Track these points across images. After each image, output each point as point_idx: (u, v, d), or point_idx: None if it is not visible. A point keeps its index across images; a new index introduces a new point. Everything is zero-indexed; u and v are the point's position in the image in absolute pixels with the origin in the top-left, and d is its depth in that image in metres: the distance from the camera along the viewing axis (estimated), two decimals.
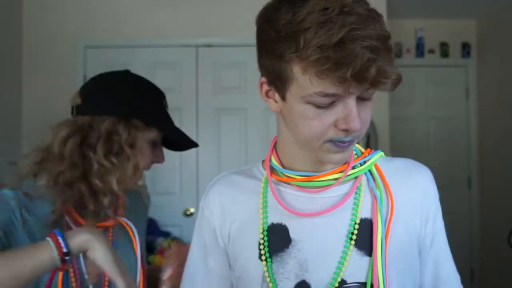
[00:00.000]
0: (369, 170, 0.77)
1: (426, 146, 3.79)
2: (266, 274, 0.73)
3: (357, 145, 0.78)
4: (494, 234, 3.46)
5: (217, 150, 3.03)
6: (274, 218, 0.76)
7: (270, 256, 0.74)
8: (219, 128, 3.02)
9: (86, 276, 0.92)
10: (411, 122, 3.80)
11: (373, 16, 0.62)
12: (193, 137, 1.06)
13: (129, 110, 0.95)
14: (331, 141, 0.67)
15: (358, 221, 0.72)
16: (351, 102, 0.63)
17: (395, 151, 3.32)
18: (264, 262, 0.74)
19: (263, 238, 0.75)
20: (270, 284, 0.73)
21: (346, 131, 0.65)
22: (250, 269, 0.76)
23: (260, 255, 0.75)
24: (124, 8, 3.02)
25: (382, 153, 0.80)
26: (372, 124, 3.04)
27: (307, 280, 0.72)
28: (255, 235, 0.77)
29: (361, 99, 0.65)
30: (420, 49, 3.73)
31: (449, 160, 3.75)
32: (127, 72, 1.03)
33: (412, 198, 0.76)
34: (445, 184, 3.54)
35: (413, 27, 3.74)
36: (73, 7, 3.00)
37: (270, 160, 0.80)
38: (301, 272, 0.73)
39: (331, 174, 0.74)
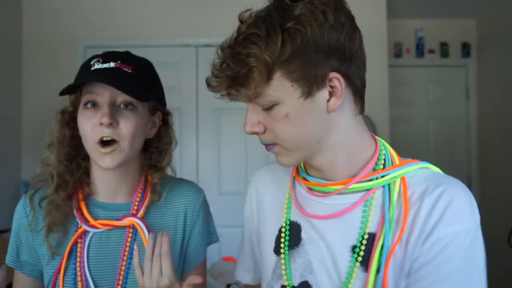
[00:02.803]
0: (389, 185, 0.72)
1: (426, 146, 3.79)
2: (283, 267, 0.77)
3: (394, 155, 0.76)
4: (494, 234, 3.46)
5: (217, 150, 3.03)
6: (293, 215, 0.80)
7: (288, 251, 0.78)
8: (219, 128, 3.02)
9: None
10: (411, 122, 3.80)
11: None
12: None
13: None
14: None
15: (366, 236, 0.70)
16: (247, 107, 0.71)
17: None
18: (283, 255, 0.78)
19: (284, 233, 0.79)
20: (285, 277, 0.76)
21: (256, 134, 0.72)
22: (266, 259, 0.82)
23: (276, 248, 0.80)
24: (124, 8, 3.02)
25: (424, 166, 0.74)
26: (372, 124, 3.04)
27: (309, 281, 0.74)
28: (274, 228, 0.82)
29: (266, 109, 0.69)
30: (420, 49, 3.73)
31: (449, 160, 3.75)
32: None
33: (417, 216, 0.68)
34: None
35: (413, 27, 3.74)
36: (73, 7, 3.01)
37: None
38: (306, 273, 0.75)
39: (336, 185, 0.74)
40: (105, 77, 0.87)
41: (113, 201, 0.96)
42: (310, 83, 0.66)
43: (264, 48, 0.63)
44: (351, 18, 0.69)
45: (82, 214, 0.93)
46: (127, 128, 0.88)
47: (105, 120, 0.85)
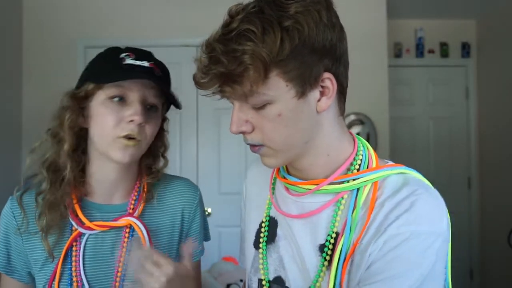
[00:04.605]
0: (358, 189, 0.71)
1: (426, 146, 3.79)
2: (261, 261, 0.79)
3: (373, 158, 0.74)
4: (494, 234, 3.46)
5: (217, 150, 3.03)
6: (272, 211, 0.81)
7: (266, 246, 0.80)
8: (219, 128, 3.02)
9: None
10: (411, 122, 3.80)
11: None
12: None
13: (80, 79, 0.90)
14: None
15: (333, 235, 0.70)
16: (234, 105, 0.69)
17: (395, 151, 3.32)
18: (261, 250, 0.79)
19: (264, 228, 0.80)
20: (262, 272, 0.78)
21: (242, 134, 0.70)
22: (247, 252, 0.85)
23: (255, 242, 0.82)
24: (124, 8, 3.02)
25: (400, 171, 0.72)
26: (372, 124, 3.04)
27: (282, 276, 0.76)
28: (256, 222, 0.84)
29: (257, 109, 0.67)
30: (420, 49, 3.73)
31: (449, 160, 3.76)
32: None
33: (377, 215, 0.67)
34: (445, 184, 3.55)
35: (413, 27, 3.74)
36: (73, 7, 3.01)
37: None
38: (279, 268, 0.77)
39: (309, 185, 0.74)
40: (147, 75, 0.85)
41: (109, 202, 0.93)
42: (304, 83, 0.65)
43: (261, 45, 0.61)
44: (338, 19, 0.69)
45: (76, 215, 0.89)
46: (150, 129, 0.88)
47: (139, 119, 0.83)
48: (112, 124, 0.84)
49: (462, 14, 3.64)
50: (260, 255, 0.79)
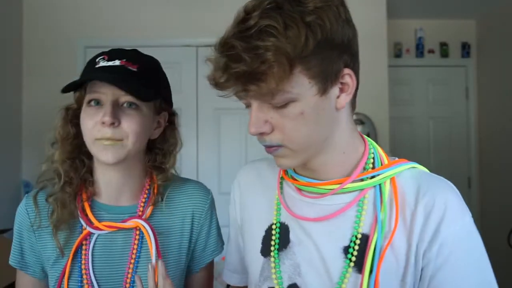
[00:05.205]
0: (380, 185, 0.71)
1: (426, 146, 3.79)
2: (273, 270, 0.75)
3: (382, 155, 0.75)
4: (494, 234, 3.46)
5: (217, 150, 3.03)
6: (281, 216, 0.78)
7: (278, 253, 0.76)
8: (219, 128, 3.02)
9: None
10: (411, 122, 3.80)
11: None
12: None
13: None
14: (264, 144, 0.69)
15: (358, 237, 0.69)
16: (252, 106, 0.66)
17: (395, 151, 3.32)
18: (273, 259, 0.76)
19: (274, 235, 0.77)
20: (276, 281, 0.74)
21: (260, 135, 0.67)
22: (252, 260, 0.80)
23: (264, 249, 0.78)
24: (124, 8, 3.02)
25: (412, 166, 0.74)
26: (372, 124, 3.05)
27: (298, 284, 0.73)
28: (261, 229, 0.79)
29: (277, 108, 0.64)
30: (420, 49, 3.73)
31: (449, 160, 3.76)
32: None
33: (415, 221, 0.68)
34: None
35: (413, 27, 3.74)
36: (73, 7, 3.01)
37: None
38: (294, 275, 0.74)
39: (331, 185, 0.72)
40: (108, 75, 0.85)
41: (116, 204, 0.94)
42: (326, 80, 0.64)
43: (285, 41, 0.58)
44: (350, 15, 0.69)
45: (86, 215, 0.91)
46: (130, 127, 0.86)
47: (107, 119, 0.83)
48: (90, 127, 0.86)
49: (462, 14, 3.64)
50: (272, 264, 0.75)
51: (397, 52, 3.71)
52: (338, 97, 0.67)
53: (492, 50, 3.58)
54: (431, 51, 3.76)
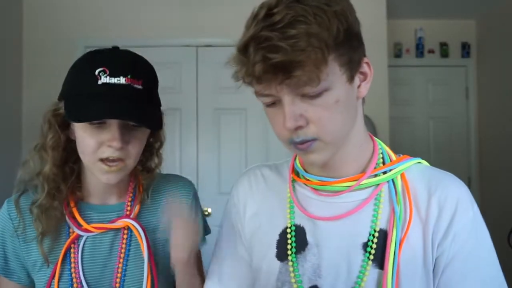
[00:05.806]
0: (393, 180, 0.73)
1: (426, 146, 3.79)
2: (292, 274, 0.74)
3: (389, 151, 0.77)
4: (494, 234, 3.45)
5: (217, 150, 3.02)
6: (297, 219, 0.77)
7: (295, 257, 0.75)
8: (219, 128, 3.02)
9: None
10: (411, 122, 3.80)
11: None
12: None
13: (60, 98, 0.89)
14: (292, 143, 0.67)
15: (376, 233, 0.70)
16: (284, 100, 0.63)
17: (394, 151, 3.31)
18: (291, 263, 0.74)
19: (290, 239, 0.76)
20: (295, 285, 0.73)
21: (294, 130, 0.65)
22: (265, 266, 0.78)
23: (279, 254, 0.76)
24: (124, 8, 3.02)
25: (418, 161, 0.78)
26: (372, 124, 3.04)
27: (319, 285, 0.72)
28: (275, 234, 0.78)
29: (308, 98, 0.63)
30: (420, 49, 3.74)
31: (449, 160, 3.75)
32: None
33: (429, 213, 0.71)
34: None
35: (413, 27, 3.74)
36: (73, 7, 3.00)
37: (294, 161, 0.81)
38: (314, 277, 0.73)
39: (348, 181, 0.73)
40: (117, 106, 0.80)
41: (104, 203, 0.94)
42: (353, 68, 0.66)
43: (319, 29, 0.59)
44: None
45: (74, 218, 0.90)
46: (135, 148, 0.85)
47: (117, 144, 0.81)
48: (92, 148, 0.83)
49: (462, 14, 3.64)
50: (291, 268, 0.74)
51: (397, 52, 3.71)
52: (359, 86, 0.69)
53: (492, 50, 3.58)
54: (431, 51, 3.76)
